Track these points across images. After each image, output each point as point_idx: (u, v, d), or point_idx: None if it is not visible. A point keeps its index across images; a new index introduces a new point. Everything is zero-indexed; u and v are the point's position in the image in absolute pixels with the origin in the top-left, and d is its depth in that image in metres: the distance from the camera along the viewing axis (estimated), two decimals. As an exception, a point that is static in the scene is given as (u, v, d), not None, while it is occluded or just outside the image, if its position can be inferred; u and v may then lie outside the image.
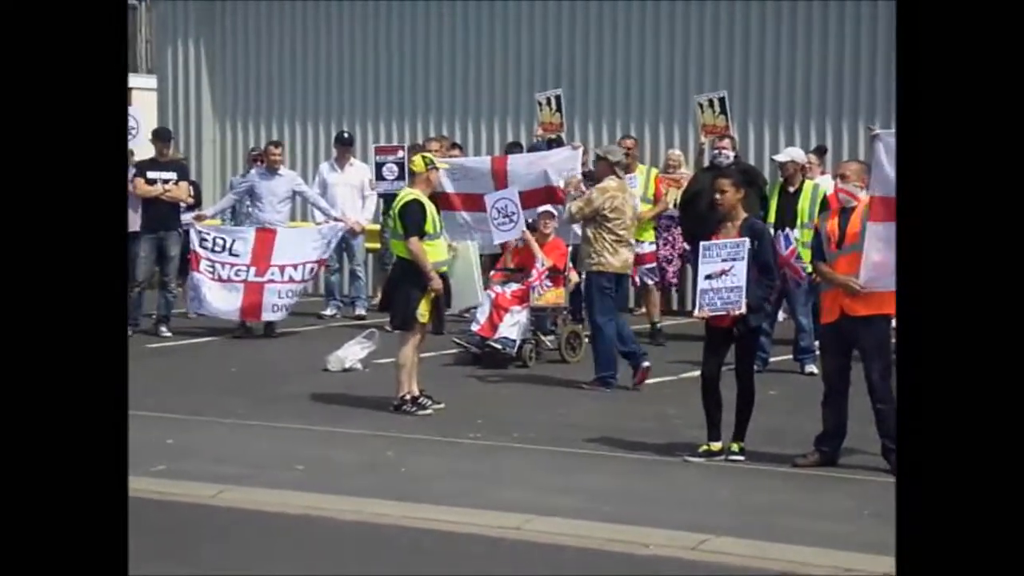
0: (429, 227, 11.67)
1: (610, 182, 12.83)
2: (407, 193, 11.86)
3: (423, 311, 11.64)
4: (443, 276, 11.75)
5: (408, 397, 11.72)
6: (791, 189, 13.70)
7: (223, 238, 15.68)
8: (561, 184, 13.84)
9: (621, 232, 12.76)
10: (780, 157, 14.20)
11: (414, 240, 11.60)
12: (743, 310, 9.76)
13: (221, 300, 15.58)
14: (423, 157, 12.17)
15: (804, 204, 13.52)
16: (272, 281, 15.50)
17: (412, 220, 11.61)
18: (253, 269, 15.47)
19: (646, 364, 12.85)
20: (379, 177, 17.25)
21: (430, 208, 11.79)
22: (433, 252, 11.70)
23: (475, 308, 14.26)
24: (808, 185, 13.73)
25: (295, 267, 15.60)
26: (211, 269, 15.48)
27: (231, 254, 15.51)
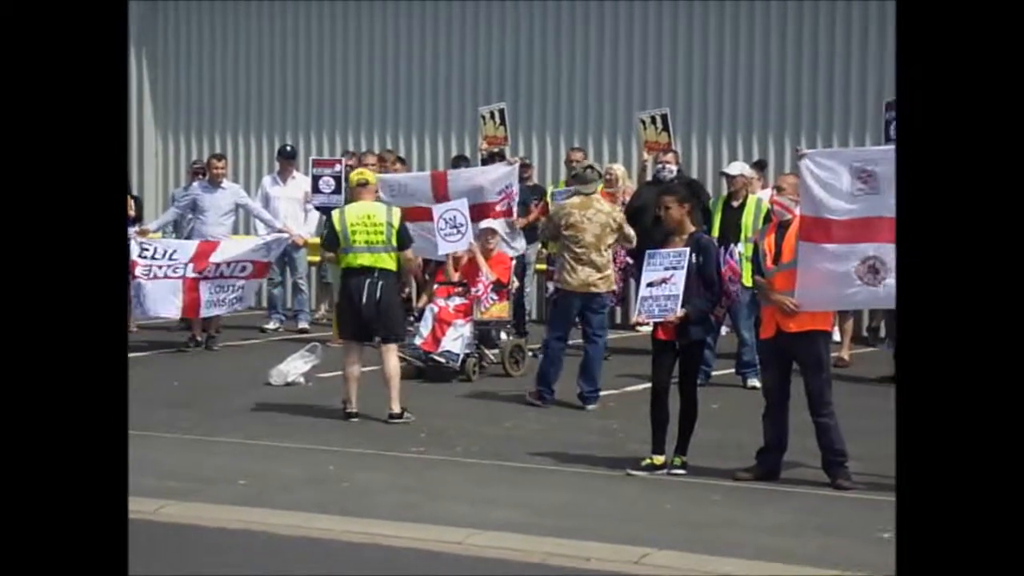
0: None
1: (572, 199, 12.90)
2: (392, 207, 12.16)
3: None
4: None
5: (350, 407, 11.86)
6: (735, 204, 13.74)
7: (166, 249, 15.52)
8: (494, 199, 14.15)
9: (578, 250, 12.51)
10: (731, 170, 14.22)
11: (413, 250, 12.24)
12: (678, 314, 9.78)
13: (160, 302, 15.38)
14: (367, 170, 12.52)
15: (748, 219, 13.56)
16: (207, 277, 15.34)
17: (409, 232, 12.15)
18: (191, 265, 15.32)
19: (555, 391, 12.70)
20: (315, 190, 17.05)
21: None
22: None
23: (416, 321, 14.30)
24: (752, 200, 13.77)
25: (228, 264, 15.44)
26: (147, 271, 15.26)
27: (171, 259, 15.35)
